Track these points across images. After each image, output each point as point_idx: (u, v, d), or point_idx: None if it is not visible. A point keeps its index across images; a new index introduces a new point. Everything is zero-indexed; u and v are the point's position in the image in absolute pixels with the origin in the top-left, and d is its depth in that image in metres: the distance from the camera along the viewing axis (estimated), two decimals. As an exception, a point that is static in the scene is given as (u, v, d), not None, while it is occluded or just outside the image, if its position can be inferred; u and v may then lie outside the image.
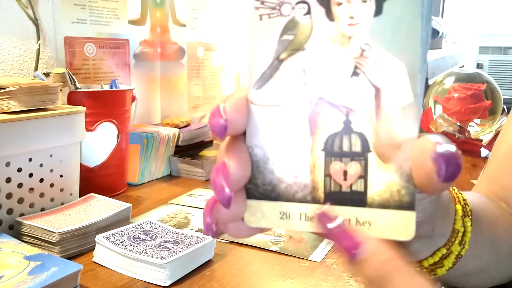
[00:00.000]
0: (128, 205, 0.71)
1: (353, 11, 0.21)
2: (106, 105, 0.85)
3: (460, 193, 0.36)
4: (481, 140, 1.23)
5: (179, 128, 1.11)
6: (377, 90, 0.21)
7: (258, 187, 0.23)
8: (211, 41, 1.47)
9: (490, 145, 1.14)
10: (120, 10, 1.12)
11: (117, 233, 0.61)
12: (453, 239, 0.33)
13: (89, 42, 1.04)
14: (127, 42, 1.14)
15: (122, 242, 0.59)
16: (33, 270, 0.49)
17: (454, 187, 0.36)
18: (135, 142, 0.96)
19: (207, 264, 0.60)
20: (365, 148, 0.21)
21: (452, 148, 0.19)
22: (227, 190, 0.21)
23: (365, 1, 0.21)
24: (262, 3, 0.22)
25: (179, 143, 1.09)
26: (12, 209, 0.66)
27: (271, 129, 0.22)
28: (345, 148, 0.21)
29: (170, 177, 1.04)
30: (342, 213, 0.22)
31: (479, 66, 3.27)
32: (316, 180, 0.22)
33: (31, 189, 0.69)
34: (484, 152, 1.20)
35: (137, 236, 0.62)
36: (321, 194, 0.22)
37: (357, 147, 0.21)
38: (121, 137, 0.89)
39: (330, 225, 0.21)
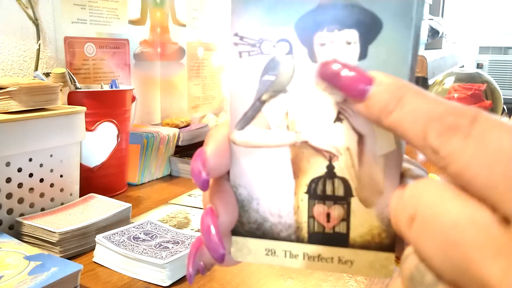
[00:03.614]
0: (128, 205, 0.71)
1: (337, 53, 0.20)
2: (106, 105, 0.85)
3: None
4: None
5: (179, 128, 1.11)
6: (360, 136, 0.21)
7: (243, 225, 0.23)
8: (211, 41, 1.47)
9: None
10: (120, 10, 1.12)
11: (117, 233, 0.61)
12: None
13: (89, 42, 1.04)
14: (127, 42, 1.14)
15: (122, 242, 0.59)
16: (33, 270, 0.49)
17: None
18: (135, 142, 0.96)
19: (207, 264, 0.60)
20: (348, 192, 0.21)
21: None
22: (216, 238, 0.22)
23: (349, 43, 0.20)
24: (241, 39, 0.21)
25: (179, 143, 1.09)
26: (12, 209, 0.66)
27: (254, 169, 0.22)
28: (328, 192, 0.22)
29: (170, 177, 1.04)
30: (325, 253, 0.22)
31: (479, 66, 3.27)
32: (300, 221, 0.22)
33: (31, 189, 0.69)
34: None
35: (137, 236, 0.62)
36: (305, 234, 0.22)
37: (340, 192, 0.22)
38: (121, 137, 0.89)
39: (333, 68, 0.20)
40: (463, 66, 2.53)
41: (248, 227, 0.23)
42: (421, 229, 0.17)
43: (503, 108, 1.29)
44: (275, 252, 0.23)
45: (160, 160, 1.01)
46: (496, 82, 1.34)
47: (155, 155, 1.00)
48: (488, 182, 0.15)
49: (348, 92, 0.19)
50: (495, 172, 0.15)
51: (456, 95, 1.28)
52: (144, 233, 0.63)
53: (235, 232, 0.23)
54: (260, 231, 0.23)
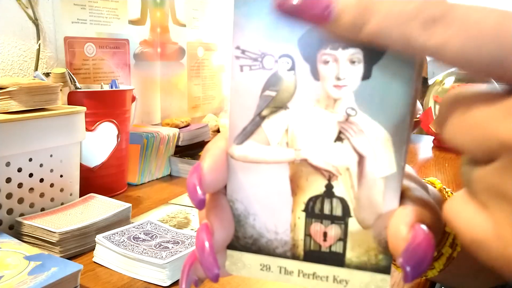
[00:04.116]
0: (128, 205, 0.71)
1: (341, 72, 0.20)
2: (106, 105, 0.85)
3: (453, 194, 0.36)
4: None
5: (179, 128, 1.11)
6: (361, 157, 0.21)
7: (239, 239, 0.23)
8: (211, 41, 1.47)
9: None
10: (120, 10, 1.12)
11: (117, 233, 0.61)
12: (444, 241, 0.33)
13: (89, 42, 1.04)
14: (127, 42, 1.14)
15: (122, 242, 0.59)
16: (33, 270, 0.49)
17: (448, 189, 0.36)
18: (135, 142, 0.96)
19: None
20: (346, 213, 0.21)
21: (422, 246, 0.19)
22: (211, 258, 0.21)
23: (353, 62, 0.20)
24: (243, 52, 0.21)
25: (179, 143, 1.09)
26: (12, 209, 0.66)
27: (252, 185, 0.22)
28: (326, 211, 0.22)
29: (170, 177, 1.04)
30: (321, 271, 0.22)
31: (479, 66, 3.27)
32: (297, 239, 0.22)
33: (31, 189, 0.69)
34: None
35: (137, 236, 0.62)
36: (301, 251, 0.22)
37: (337, 211, 0.21)
38: (121, 137, 0.89)
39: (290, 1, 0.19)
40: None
41: (243, 241, 0.23)
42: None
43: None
44: (270, 268, 0.23)
45: (160, 160, 1.01)
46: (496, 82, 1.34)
47: (155, 155, 1.00)
48: (489, 57, 0.16)
49: (313, 19, 0.19)
50: (492, 46, 0.16)
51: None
52: (144, 233, 0.63)
53: (230, 246, 0.23)
54: (256, 247, 0.23)
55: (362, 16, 0.18)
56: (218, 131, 1.40)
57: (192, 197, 0.21)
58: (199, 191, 0.21)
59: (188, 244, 0.59)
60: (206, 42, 1.44)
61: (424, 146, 1.40)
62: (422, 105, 1.46)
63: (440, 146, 1.33)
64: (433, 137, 1.41)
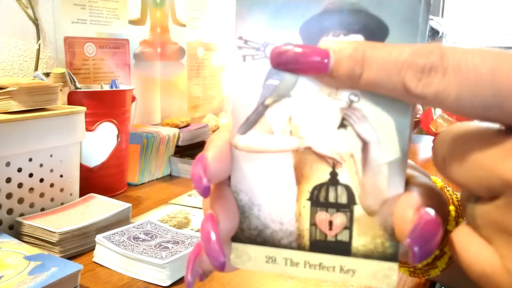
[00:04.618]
0: (128, 205, 0.71)
1: None
2: (106, 105, 0.85)
3: (455, 193, 0.36)
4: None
5: (179, 128, 1.11)
6: (365, 143, 0.21)
7: (243, 231, 0.23)
8: (211, 41, 1.47)
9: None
10: (120, 10, 1.12)
11: (117, 233, 0.61)
12: (446, 240, 0.33)
13: (89, 42, 1.04)
14: (127, 42, 1.14)
15: (122, 242, 0.59)
16: (33, 270, 0.49)
17: (448, 188, 0.36)
18: (135, 142, 0.96)
19: (207, 264, 0.60)
20: (351, 200, 0.21)
21: (429, 227, 0.19)
22: (217, 246, 0.21)
23: None
24: (246, 42, 0.21)
25: (179, 143, 1.09)
26: (12, 209, 0.66)
27: (256, 175, 0.22)
28: (331, 199, 0.21)
29: (170, 177, 1.04)
30: (327, 261, 0.22)
31: (479, 66, 3.27)
32: (302, 228, 0.22)
33: (31, 189, 0.69)
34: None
35: (137, 236, 0.62)
36: (306, 241, 0.22)
37: (343, 199, 0.21)
38: (121, 137, 0.89)
39: (286, 54, 0.20)
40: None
41: (248, 233, 0.23)
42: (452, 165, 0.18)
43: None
44: (275, 260, 0.23)
45: (160, 160, 1.01)
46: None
47: (155, 155, 1.00)
48: (486, 103, 0.16)
49: (310, 71, 0.19)
50: (489, 92, 0.16)
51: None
52: (144, 233, 0.63)
53: (235, 238, 0.23)
54: (261, 238, 0.23)
55: (357, 67, 0.18)
56: (218, 131, 1.40)
57: (197, 185, 0.21)
58: (204, 179, 0.21)
59: (188, 244, 0.59)
60: (206, 42, 1.44)
61: (424, 146, 1.40)
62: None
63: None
64: (433, 137, 1.41)
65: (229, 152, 0.22)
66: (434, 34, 2.33)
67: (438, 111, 1.35)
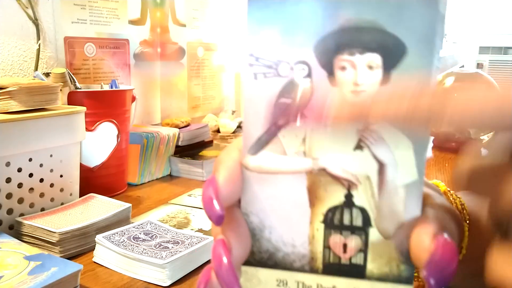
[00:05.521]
0: (128, 205, 0.71)
1: (359, 78, 0.19)
2: (106, 105, 0.85)
3: (458, 197, 0.35)
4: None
5: (179, 128, 1.11)
6: (381, 165, 0.20)
7: (254, 254, 0.22)
8: (211, 41, 1.47)
9: (490, 145, 1.14)
10: (120, 10, 1.12)
11: (117, 233, 0.61)
12: None
13: (89, 42, 1.04)
14: (127, 42, 1.14)
15: (122, 242, 0.59)
16: (33, 270, 0.49)
17: (452, 191, 0.36)
18: (135, 142, 0.96)
19: (207, 264, 0.60)
20: (366, 223, 0.21)
21: (446, 255, 0.19)
22: (231, 275, 0.21)
23: (371, 68, 0.19)
24: (257, 59, 0.20)
25: (179, 143, 1.09)
26: (12, 209, 0.66)
27: (267, 197, 0.21)
28: (346, 222, 0.21)
29: (170, 177, 1.04)
30: (341, 284, 0.21)
31: (479, 66, 3.27)
32: (315, 251, 0.21)
33: (31, 189, 0.69)
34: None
35: (137, 236, 0.62)
36: (319, 265, 0.21)
37: (358, 222, 0.21)
38: (121, 137, 0.89)
39: None
40: (463, 66, 2.53)
41: (259, 256, 0.22)
42: None
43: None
44: (287, 283, 0.22)
45: (160, 160, 1.01)
46: (496, 82, 1.34)
47: (155, 155, 1.00)
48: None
49: None
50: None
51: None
52: (144, 233, 0.63)
53: (245, 262, 0.22)
54: (272, 261, 0.22)
55: (438, 109, 0.18)
56: (218, 131, 1.40)
57: (210, 213, 0.20)
58: (217, 206, 0.20)
59: (188, 244, 0.59)
60: (206, 42, 1.44)
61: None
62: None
63: (440, 146, 1.32)
64: (433, 138, 1.41)
65: (240, 173, 0.21)
66: (434, 34, 2.32)
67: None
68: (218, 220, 0.20)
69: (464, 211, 0.34)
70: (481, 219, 0.37)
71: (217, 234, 0.22)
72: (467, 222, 0.34)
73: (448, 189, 0.35)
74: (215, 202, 0.20)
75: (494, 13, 3.30)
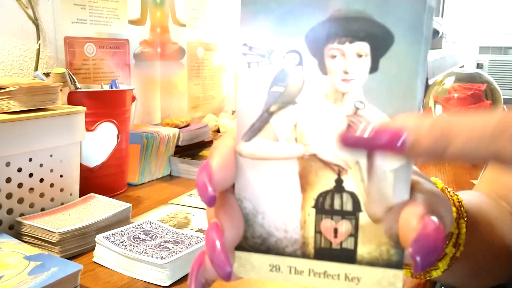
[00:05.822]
0: (128, 205, 0.71)
1: (348, 66, 0.20)
2: (106, 105, 0.85)
3: (456, 194, 0.36)
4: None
5: (179, 128, 1.11)
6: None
7: (247, 240, 0.22)
8: (211, 41, 1.47)
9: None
10: (120, 10, 1.12)
11: (117, 233, 0.61)
12: (448, 242, 0.33)
13: (89, 42, 1.04)
14: (127, 42, 1.14)
15: (122, 242, 0.59)
16: (33, 270, 0.49)
17: (450, 189, 0.36)
18: (135, 142, 0.96)
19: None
20: (356, 207, 0.21)
21: (432, 236, 0.19)
22: (223, 256, 0.21)
23: (360, 56, 0.20)
24: (250, 49, 0.21)
25: (179, 143, 1.09)
26: (12, 209, 0.66)
27: (260, 182, 0.22)
28: (336, 206, 0.21)
29: (170, 177, 1.04)
30: (332, 269, 0.22)
31: (479, 66, 3.27)
32: (307, 236, 0.22)
33: (31, 189, 0.69)
34: None
35: (137, 236, 0.62)
36: (311, 249, 0.22)
37: (348, 206, 0.21)
38: (121, 137, 0.89)
39: (362, 137, 0.20)
40: (463, 66, 2.53)
41: (252, 242, 0.22)
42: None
43: (503, 108, 1.29)
44: (279, 268, 0.22)
45: (160, 160, 1.01)
46: (496, 82, 1.34)
47: (155, 155, 1.00)
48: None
49: (385, 149, 0.20)
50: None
51: (456, 95, 1.28)
52: (144, 233, 0.63)
53: (238, 247, 0.23)
54: (265, 246, 0.22)
55: (440, 142, 0.18)
56: (218, 131, 1.40)
57: (203, 194, 0.21)
58: (210, 188, 0.21)
59: (188, 244, 0.59)
60: (206, 42, 1.44)
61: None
62: (422, 105, 1.46)
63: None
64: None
65: (234, 159, 0.22)
66: (434, 34, 2.33)
67: (438, 111, 1.35)
68: (210, 201, 0.21)
69: (462, 208, 0.34)
70: (479, 217, 0.37)
71: (211, 218, 0.22)
72: (465, 219, 0.34)
73: (446, 186, 0.36)
74: (208, 184, 0.21)
75: (494, 13, 3.30)
